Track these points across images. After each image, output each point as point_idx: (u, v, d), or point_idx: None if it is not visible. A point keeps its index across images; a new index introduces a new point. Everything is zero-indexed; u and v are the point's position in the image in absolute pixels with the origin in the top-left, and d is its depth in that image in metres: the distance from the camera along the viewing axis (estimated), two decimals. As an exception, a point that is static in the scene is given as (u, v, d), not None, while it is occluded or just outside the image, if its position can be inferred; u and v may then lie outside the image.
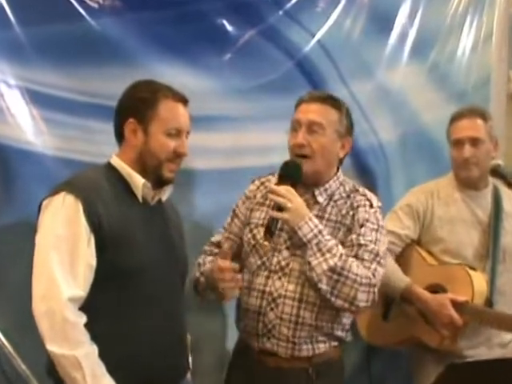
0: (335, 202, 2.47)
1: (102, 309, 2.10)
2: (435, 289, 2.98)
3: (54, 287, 2.01)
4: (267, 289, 2.42)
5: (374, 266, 2.35)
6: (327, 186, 2.48)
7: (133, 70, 2.69)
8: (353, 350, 3.32)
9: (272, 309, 2.41)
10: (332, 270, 2.29)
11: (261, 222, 2.49)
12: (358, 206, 2.44)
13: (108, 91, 2.65)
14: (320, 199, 2.48)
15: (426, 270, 3.04)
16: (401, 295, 2.95)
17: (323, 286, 2.31)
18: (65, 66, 2.67)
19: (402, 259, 3.09)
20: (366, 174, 3.46)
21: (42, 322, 2.00)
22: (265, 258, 2.44)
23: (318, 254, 2.31)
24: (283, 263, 2.43)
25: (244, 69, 3.06)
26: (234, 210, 2.63)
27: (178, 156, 2.24)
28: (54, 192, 2.12)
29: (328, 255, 2.31)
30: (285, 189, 2.33)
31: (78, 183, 2.14)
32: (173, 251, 2.32)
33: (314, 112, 2.43)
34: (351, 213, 2.44)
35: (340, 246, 2.34)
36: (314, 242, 2.32)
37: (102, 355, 2.05)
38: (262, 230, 2.42)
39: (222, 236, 2.64)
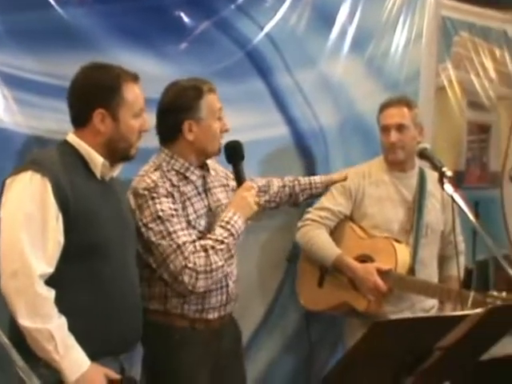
0: None
1: (68, 283, 2.08)
2: (364, 259, 3.12)
3: (26, 264, 1.97)
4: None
5: None
6: None
7: (99, 56, 2.64)
8: (293, 315, 3.44)
9: None
10: None
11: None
12: None
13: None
14: None
15: (356, 243, 3.16)
16: (333, 264, 3.11)
17: None
18: (37, 51, 2.67)
19: (335, 233, 3.23)
20: (307, 156, 3.51)
21: (14, 299, 1.97)
22: None
23: None
24: None
25: (199, 56, 3.10)
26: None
27: (141, 133, 2.27)
28: (19, 170, 2.07)
29: None
30: None
31: (43, 161, 2.07)
32: (128, 226, 2.33)
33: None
34: None
35: None
36: None
37: (70, 327, 2.07)
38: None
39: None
